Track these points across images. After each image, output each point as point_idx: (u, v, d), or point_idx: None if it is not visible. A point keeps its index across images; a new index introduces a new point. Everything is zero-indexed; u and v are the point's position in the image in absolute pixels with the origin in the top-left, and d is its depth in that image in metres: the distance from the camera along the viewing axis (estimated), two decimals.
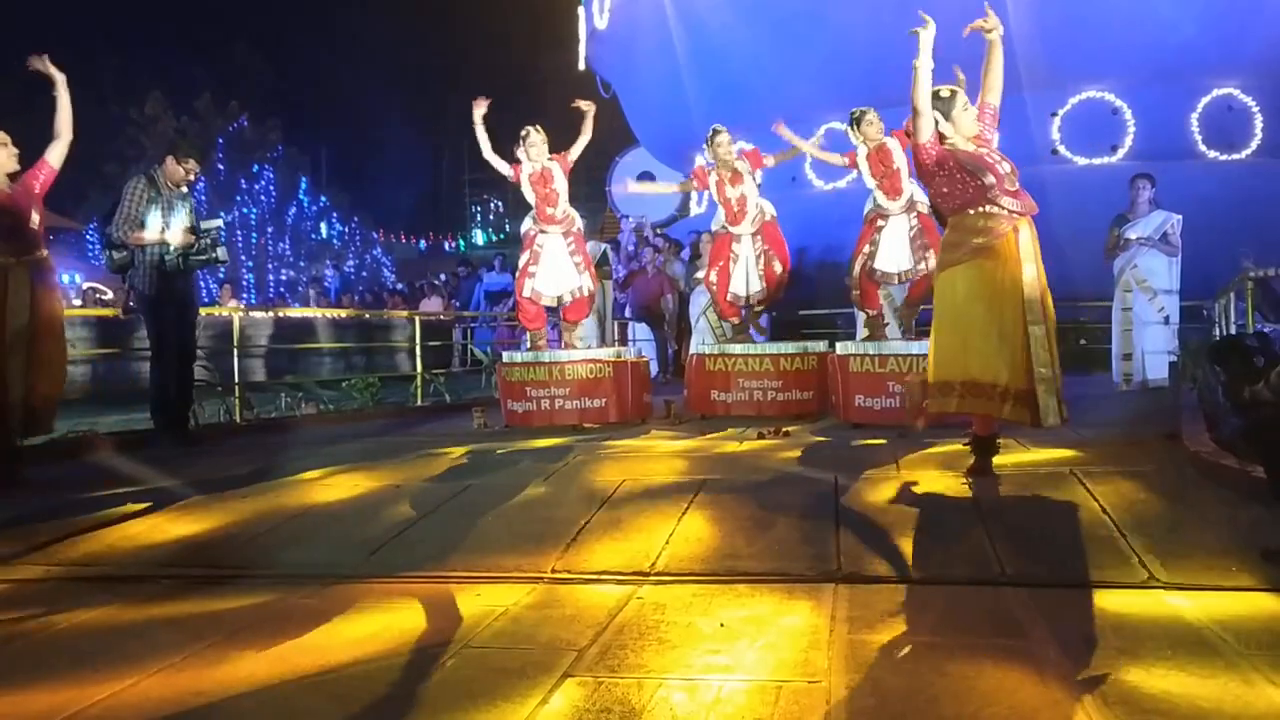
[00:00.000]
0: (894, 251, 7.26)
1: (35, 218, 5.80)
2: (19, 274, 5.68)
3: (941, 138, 4.79)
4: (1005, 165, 4.74)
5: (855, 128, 7.32)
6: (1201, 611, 3.10)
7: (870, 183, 7.34)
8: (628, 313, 13.35)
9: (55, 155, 6.01)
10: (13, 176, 5.85)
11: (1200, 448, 4.88)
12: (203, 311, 8.27)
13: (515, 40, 38.12)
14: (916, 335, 7.20)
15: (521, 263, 7.95)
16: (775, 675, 2.70)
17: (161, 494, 5.25)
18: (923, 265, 7.05)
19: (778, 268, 8.07)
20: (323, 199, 36.83)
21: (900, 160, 7.14)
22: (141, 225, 6.88)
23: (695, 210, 19.55)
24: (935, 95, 4.78)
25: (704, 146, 8.03)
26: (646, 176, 23.34)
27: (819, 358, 7.74)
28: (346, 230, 37.62)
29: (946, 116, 4.78)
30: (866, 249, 7.33)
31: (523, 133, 7.74)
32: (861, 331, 8.27)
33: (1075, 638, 2.91)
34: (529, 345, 8.07)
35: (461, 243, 46.30)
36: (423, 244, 43.67)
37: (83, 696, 2.66)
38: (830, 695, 2.54)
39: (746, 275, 8.07)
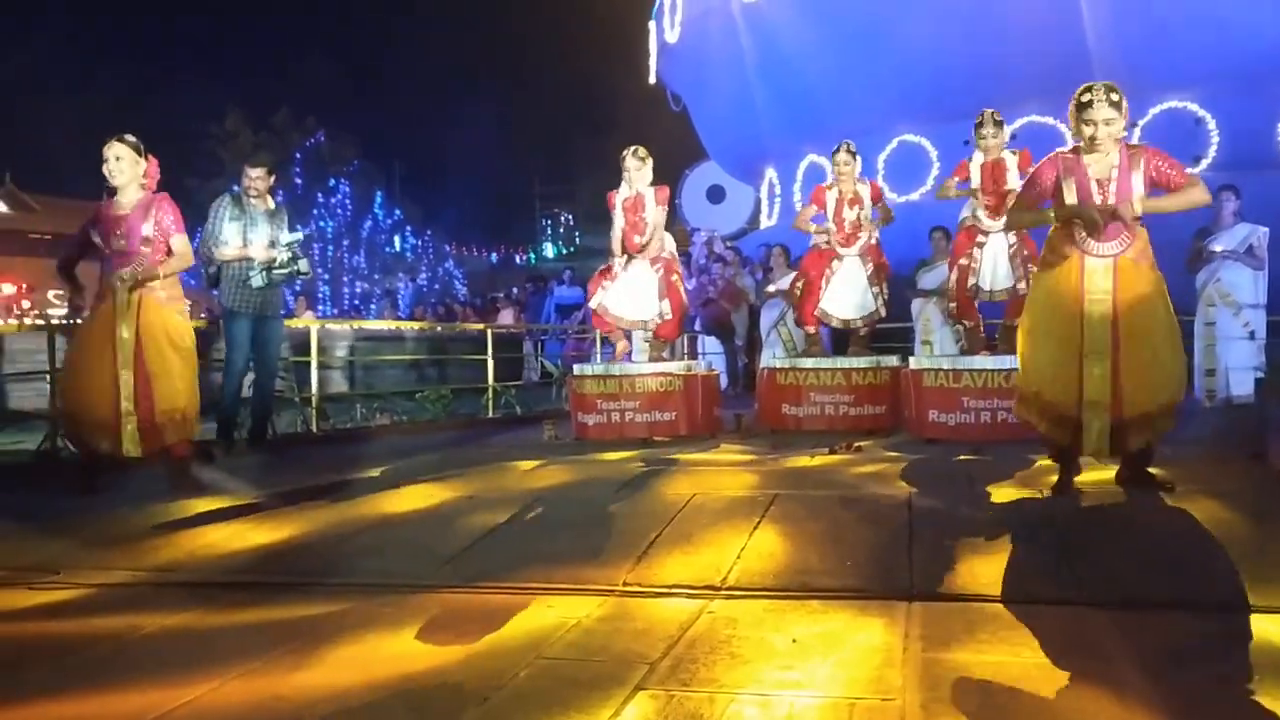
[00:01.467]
0: (996, 270, 7.06)
1: (145, 233, 5.72)
2: (123, 293, 5.69)
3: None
4: (1107, 200, 4.54)
5: (976, 131, 7.14)
6: None
7: (977, 195, 7.15)
8: (698, 326, 13.35)
9: (181, 243, 5.85)
10: (142, 195, 5.78)
11: None
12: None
13: (586, 55, 38.46)
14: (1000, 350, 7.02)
15: (596, 272, 8.01)
16: (848, 692, 2.67)
17: (241, 502, 5.38)
18: (1022, 285, 6.74)
19: (885, 287, 7.95)
20: (397, 212, 37.34)
21: (1014, 183, 6.82)
22: (224, 242, 7.10)
23: (765, 223, 19.48)
24: (1077, 97, 4.58)
25: (830, 156, 7.94)
26: (716, 190, 23.42)
27: (891, 372, 7.65)
28: (419, 243, 38.08)
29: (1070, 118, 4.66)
30: (964, 262, 7.14)
31: (621, 154, 7.59)
32: (942, 346, 8.11)
33: (1157, 660, 2.84)
34: (613, 351, 8.10)
35: (532, 255, 46.65)
36: (494, 257, 44.06)
37: (168, 699, 2.73)
38: (904, 713, 2.52)
39: (856, 296, 7.93)
